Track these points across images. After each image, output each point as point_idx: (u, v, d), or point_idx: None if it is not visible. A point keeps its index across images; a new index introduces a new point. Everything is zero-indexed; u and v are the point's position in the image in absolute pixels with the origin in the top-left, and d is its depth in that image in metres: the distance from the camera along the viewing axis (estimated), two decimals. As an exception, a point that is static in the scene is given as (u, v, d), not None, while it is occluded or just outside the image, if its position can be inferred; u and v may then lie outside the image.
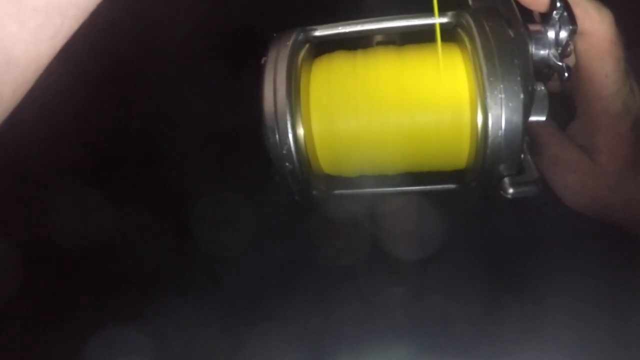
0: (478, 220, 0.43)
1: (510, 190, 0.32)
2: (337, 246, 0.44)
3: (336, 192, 0.35)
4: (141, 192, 0.49)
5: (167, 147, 0.50)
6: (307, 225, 0.45)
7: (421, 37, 0.34)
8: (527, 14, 0.36)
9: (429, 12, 0.33)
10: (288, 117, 0.31)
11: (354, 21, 0.34)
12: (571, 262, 0.41)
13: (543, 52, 0.33)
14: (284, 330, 0.41)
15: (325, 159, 0.34)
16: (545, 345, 0.38)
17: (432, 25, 0.33)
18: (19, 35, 0.25)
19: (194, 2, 0.55)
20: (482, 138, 0.29)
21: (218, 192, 0.46)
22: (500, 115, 0.29)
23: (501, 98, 0.29)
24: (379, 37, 0.36)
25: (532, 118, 0.33)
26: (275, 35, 0.34)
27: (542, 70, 0.34)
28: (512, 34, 0.30)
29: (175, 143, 0.50)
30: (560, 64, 0.33)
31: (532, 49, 0.33)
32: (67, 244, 0.44)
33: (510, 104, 0.29)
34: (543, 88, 0.33)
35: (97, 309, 0.43)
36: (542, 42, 0.33)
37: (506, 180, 0.32)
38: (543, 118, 0.33)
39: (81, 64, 0.53)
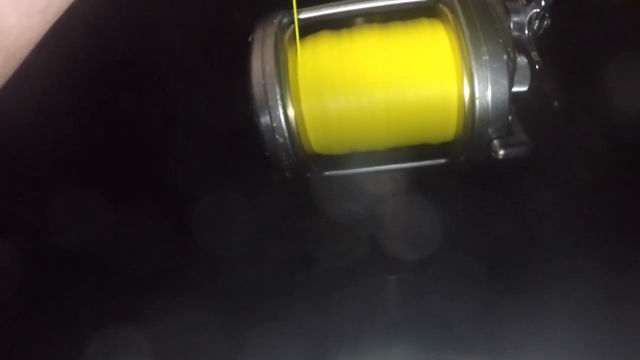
0: (478, 220, 0.43)
1: (501, 152, 0.32)
2: (337, 246, 0.44)
3: (327, 173, 0.36)
4: (141, 192, 0.49)
5: (167, 147, 0.50)
6: (307, 225, 0.45)
7: (404, 16, 0.35)
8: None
9: None
10: (277, 90, 0.30)
11: (337, 2, 0.34)
12: (571, 262, 0.41)
13: (519, 26, 0.34)
14: (284, 330, 0.41)
15: (316, 137, 0.34)
16: (545, 345, 0.38)
17: (414, 4, 0.34)
18: (12, 5, 0.25)
19: (194, 1, 0.55)
20: (470, 101, 0.30)
21: (218, 192, 0.46)
22: (487, 77, 0.29)
23: (485, 60, 0.29)
24: (361, 20, 0.36)
25: (515, 89, 0.33)
26: (260, 16, 0.34)
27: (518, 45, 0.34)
28: (493, 10, 0.30)
29: (175, 143, 0.50)
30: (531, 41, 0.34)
31: (510, 21, 0.33)
32: (67, 244, 0.44)
33: (494, 65, 0.29)
34: (524, 58, 0.33)
35: (97, 309, 0.43)
36: (518, 17, 0.34)
37: (496, 142, 0.32)
38: (525, 88, 0.34)
39: (81, 64, 0.53)
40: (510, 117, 0.32)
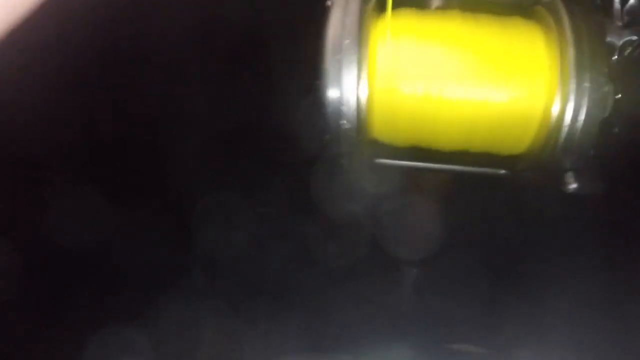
0: (478, 220, 0.43)
1: (574, 185, 0.31)
2: (337, 246, 0.44)
3: (378, 160, 0.33)
4: (141, 192, 0.49)
5: (168, 147, 0.50)
6: (307, 225, 0.45)
7: (494, 11, 0.31)
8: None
9: None
10: (355, 72, 0.27)
11: None
12: (571, 262, 0.41)
13: (612, 43, 0.30)
14: (284, 330, 0.41)
15: (382, 124, 0.31)
16: (545, 345, 0.38)
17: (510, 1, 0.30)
18: None
19: (194, 1, 0.55)
20: (557, 123, 0.27)
21: (218, 192, 0.46)
22: (582, 106, 0.27)
23: (586, 87, 0.27)
24: (438, 2, 0.32)
25: None
26: None
27: None
28: (597, 26, 0.28)
29: (176, 143, 0.50)
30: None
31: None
32: (67, 243, 0.44)
33: (594, 95, 0.27)
34: (608, 84, 0.30)
35: (96, 309, 0.43)
36: (611, 39, 0.30)
37: (570, 173, 0.30)
38: (605, 114, 0.30)
39: (81, 63, 0.53)
40: (593, 151, 0.29)
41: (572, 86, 0.27)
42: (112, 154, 0.51)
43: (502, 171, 0.32)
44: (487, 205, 0.43)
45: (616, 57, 0.31)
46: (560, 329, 0.39)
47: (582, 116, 0.27)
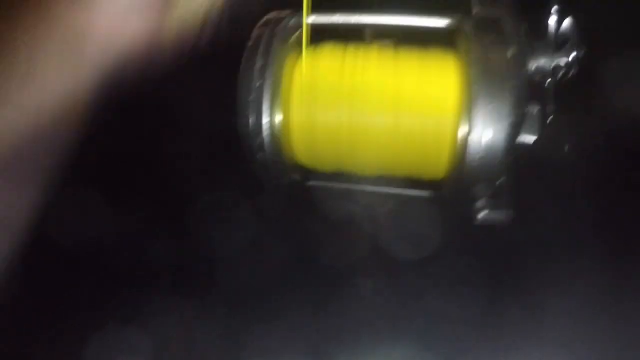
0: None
1: (480, 215, 0.32)
2: (337, 246, 0.44)
3: (311, 183, 0.34)
4: (141, 192, 0.49)
5: (167, 147, 0.50)
6: (306, 225, 0.45)
7: (422, 37, 0.33)
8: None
9: (435, 11, 0.32)
10: (266, 92, 0.29)
11: (351, 13, 0.33)
12: (571, 262, 0.41)
13: (543, 66, 0.31)
14: (283, 330, 0.41)
15: (302, 149, 0.32)
16: (545, 346, 0.38)
17: (432, 28, 0.32)
18: None
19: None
20: (461, 156, 0.28)
21: (218, 192, 0.46)
22: (482, 137, 0.27)
23: (487, 119, 0.27)
24: (377, 36, 0.34)
25: (522, 138, 0.31)
26: (267, 16, 0.33)
27: (537, 78, 0.32)
28: (511, 53, 0.28)
29: (175, 143, 0.50)
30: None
31: (533, 64, 0.31)
32: (67, 244, 0.44)
33: (495, 127, 0.27)
34: (537, 108, 0.31)
35: (97, 309, 0.43)
36: (543, 61, 0.31)
37: (479, 203, 0.31)
38: (532, 140, 0.31)
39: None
40: (502, 179, 0.30)
41: (474, 118, 0.27)
42: (112, 153, 0.51)
43: (428, 193, 0.33)
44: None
45: (548, 80, 0.32)
46: (560, 329, 0.39)
47: (483, 147, 0.28)
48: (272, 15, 0.33)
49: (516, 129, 0.29)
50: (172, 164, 0.48)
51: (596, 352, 0.38)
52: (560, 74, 0.32)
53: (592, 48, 0.46)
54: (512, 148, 0.29)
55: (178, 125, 0.51)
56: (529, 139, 0.31)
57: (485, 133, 0.27)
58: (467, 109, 0.28)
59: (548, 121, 0.32)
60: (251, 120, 0.30)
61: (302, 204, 0.42)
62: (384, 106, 0.30)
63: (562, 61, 0.31)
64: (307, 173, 0.35)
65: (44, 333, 0.43)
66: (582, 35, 0.33)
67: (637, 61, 0.44)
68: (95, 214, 0.47)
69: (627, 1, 0.47)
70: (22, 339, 0.43)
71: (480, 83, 0.28)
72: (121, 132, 0.51)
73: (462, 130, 0.28)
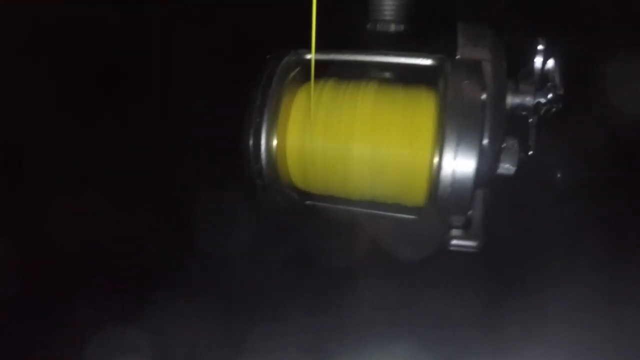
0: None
1: (452, 242, 0.34)
2: (337, 246, 0.44)
3: (308, 202, 0.38)
4: (141, 192, 0.49)
5: (168, 147, 0.50)
6: (307, 226, 0.45)
7: (410, 73, 0.36)
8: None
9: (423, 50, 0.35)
10: (265, 121, 0.33)
11: (347, 50, 0.36)
12: (571, 262, 0.41)
13: (525, 102, 0.33)
14: (284, 330, 0.41)
15: (295, 173, 0.36)
16: (545, 346, 0.38)
17: (417, 65, 0.35)
18: None
19: (196, 3, 0.55)
20: (434, 189, 0.31)
21: (218, 192, 0.46)
22: (452, 170, 0.30)
23: (457, 154, 0.29)
24: (369, 71, 0.38)
25: (500, 171, 0.34)
26: (268, 56, 0.36)
27: (520, 112, 0.34)
28: (486, 94, 0.30)
29: (176, 143, 0.50)
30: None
31: (513, 100, 0.33)
32: (67, 244, 0.44)
33: (464, 161, 0.29)
34: (515, 142, 0.33)
35: (97, 309, 0.43)
36: (526, 99, 0.33)
37: (451, 232, 0.34)
38: (512, 170, 0.34)
39: (82, 64, 0.53)
40: (470, 212, 0.33)
41: (445, 149, 0.29)
42: (112, 153, 0.51)
43: (411, 217, 0.36)
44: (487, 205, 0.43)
45: (530, 118, 0.34)
46: (560, 329, 0.39)
47: (450, 183, 0.30)
48: (272, 55, 0.36)
49: (489, 164, 0.31)
50: (172, 165, 0.48)
51: (596, 352, 0.38)
52: (543, 110, 0.34)
53: (592, 48, 0.46)
54: (484, 180, 0.31)
55: (178, 126, 0.51)
56: (508, 170, 0.34)
57: (454, 168, 0.30)
58: (440, 146, 0.30)
59: (530, 153, 0.34)
60: (251, 150, 0.34)
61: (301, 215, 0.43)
62: (366, 138, 0.33)
63: (544, 99, 0.33)
64: (304, 194, 0.38)
65: (44, 333, 0.43)
66: (564, 75, 0.34)
67: (637, 61, 0.44)
68: (95, 214, 0.47)
69: (627, 1, 0.47)
70: (22, 339, 0.43)
71: (453, 121, 0.30)
72: (121, 132, 0.51)
73: (434, 164, 0.31)
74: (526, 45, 0.35)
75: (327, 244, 0.44)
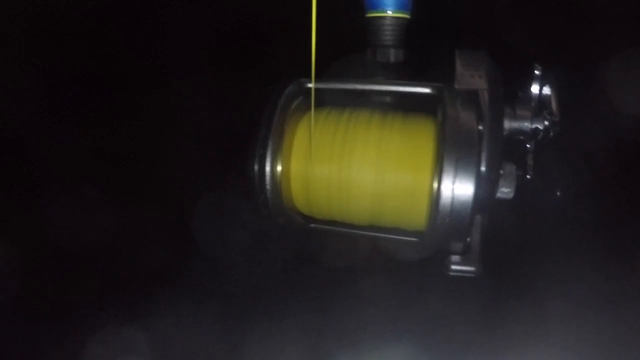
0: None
1: (451, 267, 0.36)
2: (337, 246, 0.44)
3: (312, 225, 0.39)
4: (141, 192, 0.49)
5: (168, 147, 0.50)
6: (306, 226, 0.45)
7: (412, 99, 0.37)
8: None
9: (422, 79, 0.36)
10: (269, 147, 0.34)
11: (347, 79, 0.37)
12: (571, 263, 0.41)
13: (523, 128, 0.34)
14: (284, 330, 0.41)
15: (299, 198, 0.37)
16: (546, 346, 0.38)
17: (417, 94, 0.36)
18: None
19: (197, 2, 0.55)
20: (434, 217, 0.31)
21: (218, 192, 0.46)
22: (451, 202, 0.30)
23: (454, 185, 0.30)
24: (372, 98, 0.39)
25: (499, 195, 0.35)
26: (270, 87, 0.37)
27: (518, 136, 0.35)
28: (483, 123, 0.31)
29: (176, 143, 0.50)
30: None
31: (511, 125, 0.34)
32: (67, 244, 0.44)
33: (461, 191, 0.30)
34: (513, 167, 0.35)
35: (97, 309, 0.43)
36: (523, 125, 0.34)
37: (450, 258, 0.35)
38: (510, 195, 0.35)
39: (83, 64, 0.53)
40: (469, 239, 0.34)
41: (444, 176, 0.30)
42: (112, 153, 0.51)
43: (414, 239, 0.36)
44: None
45: (528, 144, 0.35)
46: (560, 328, 0.39)
47: (450, 211, 0.31)
48: (274, 85, 0.37)
49: (486, 190, 0.31)
50: (172, 164, 0.48)
51: (596, 352, 0.38)
52: (540, 135, 0.34)
53: (592, 48, 0.46)
54: (483, 205, 0.31)
55: (178, 125, 0.51)
56: (507, 195, 0.35)
57: (453, 196, 0.30)
58: (438, 175, 0.31)
59: (528, 177, 0.35)
60: (256, 179, 0.34)
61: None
62: (367, 164, 0.34)
63: (541, 124, 0.34)
64: (308, 218, 0.38)
65: (44, 333, 0.43)
66: (560, 101, 0.35)
67: (637, 61, 0.44)
68: (95, 214, 0.47)
69: (627, 2, 0.47)
70: (22, 339, 0.43)
71: (450, 151, 0.31)
72: (121, 132, 0.51)
73: (433, 190, 0.32)
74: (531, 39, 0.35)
75: (327, 244, 0.44)
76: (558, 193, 0.45)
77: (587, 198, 0.44)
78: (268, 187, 0.34)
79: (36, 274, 0.45)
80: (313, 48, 0.29)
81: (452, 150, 0.30)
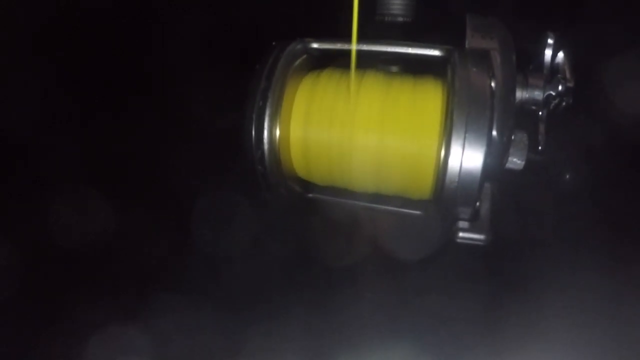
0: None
1: (459, 234, 0.33)
2: (337, 246, 0.44)
3: (310, 195, 0.37)
4: (141, 192, 0.49)
5: (167, 147, 0.50)
6: (307, 225, 0.45)
7: (420, 63, 0.35)
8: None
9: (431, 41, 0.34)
10: (267, 109, 0.32)
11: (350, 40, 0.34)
12: (571, 262, 0.41)
13: (535, 96, 0.33)
14: (284, 330, 0.41)
15: (298, 163, 0.35)
16: (546, 345, 0.38)
17: (425, 56, 0.34)
18: None
19: (196, 3, 0.55)
20: (441, 180, 0.30)
21: (218, 192, 0.46)
22: (459, 162, 0.29)
23: (465, 145, 0.28)
24: (376, 61, 0.37)
25: (509, 165, 0.33)
26: (274, 43, 0.35)
27: (530, 107, 0.34)
28: (494, 85, 0.29)
29: (175, 143, 0.50)
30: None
31: (523, 94, 0.33)
32: (67, 244, 0.44)
33: (472, 153, 0.29)
34: (524, 135, 0.33)
35: (97, 309, 0.43)
36: (535, 93, 0.33)
37: (458, 224, 0.33)
38: (520, 164, 0.33)
39: (82, 64, 0.53)
40: (478, 203, 0.32)
41: (453, 140, 0.28)
42: (112, 153, 0.51)
43: (417, 212, 0.35)
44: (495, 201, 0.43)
45: (541, 111, 0.34)
46: (560, 328, 0.39)
47: (459, 172, 0.29)
48: (278, 42, 0.35)
49: (497, 155, 0.30)
50: (172, 164, 0.48)
51: (596, 352, 0.38)
52: (553, 104, 0.33)
53: (592, 48, 0.46)
54: (493, 173, 0.30)
55: (178, 125, 0.51)
56: (516, 165, 0.33)
57: (462, 158, 0.29)
58: (447, 136, 0.29)
59: (540, 147, 0.33)
60: (253, 135, 0.32)
61: (303, 209, 0.42)
62: (371, 128, 0.32)
63: (554, 92, 0.33)
64: (307, 185, 0.37)
65: (44, 333, 0.43)
66: (574, 67, 0.33)
67: (637, 61, 0.44)
68: (95, 214, 0.47)
69: (627, 2, 0.47)
70: (22, 339, 0.43)
71: (461, 109, 0.29)
72: (121, 132, 0.51)
73: (441, 155, 0.30)
74: (533, 39, 0.34)
75: (328, 243, 0.44)
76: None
77: (587, 198, 0.44)
78: (266, 147, 0.32)
79: (36, 274, 0.45)
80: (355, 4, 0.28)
81: (462, 108, 0.28)
